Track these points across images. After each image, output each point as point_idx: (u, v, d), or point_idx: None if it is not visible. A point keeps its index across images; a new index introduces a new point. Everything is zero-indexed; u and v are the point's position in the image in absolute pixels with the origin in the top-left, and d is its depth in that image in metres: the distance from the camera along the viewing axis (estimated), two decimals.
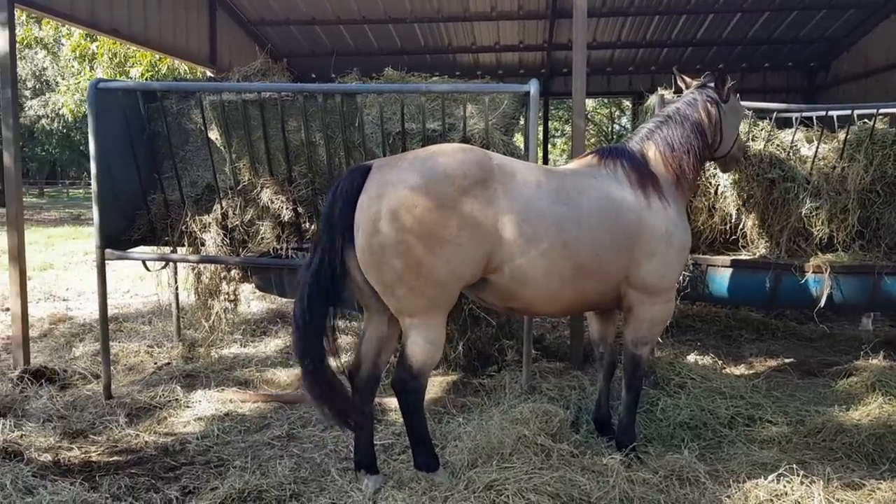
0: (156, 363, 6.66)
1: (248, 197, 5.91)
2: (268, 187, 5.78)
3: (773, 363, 6.79)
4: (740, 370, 6.57)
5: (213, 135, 6.20)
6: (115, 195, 5.80)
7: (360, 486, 4.25)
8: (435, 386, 6.05)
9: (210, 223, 5.95)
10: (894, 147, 5.75)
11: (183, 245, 6.06)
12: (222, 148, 5.85)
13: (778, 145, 5.93)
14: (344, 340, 7.35)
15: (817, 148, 5.83)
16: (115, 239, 5.84)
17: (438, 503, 3.76)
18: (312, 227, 6.05)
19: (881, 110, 5.79)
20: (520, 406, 5.04)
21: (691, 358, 6.27)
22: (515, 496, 3.69)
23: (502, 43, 14.21)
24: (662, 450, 4.89)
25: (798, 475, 3.74)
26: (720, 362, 6.43)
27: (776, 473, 3.82)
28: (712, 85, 5.08)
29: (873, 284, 5.69)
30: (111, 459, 4.81)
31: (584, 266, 4.20)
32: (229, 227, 5.98)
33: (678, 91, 5.43)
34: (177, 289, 6.93)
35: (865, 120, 6.03)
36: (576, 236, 4.14)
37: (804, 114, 6.15)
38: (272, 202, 5.81)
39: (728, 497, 3.69)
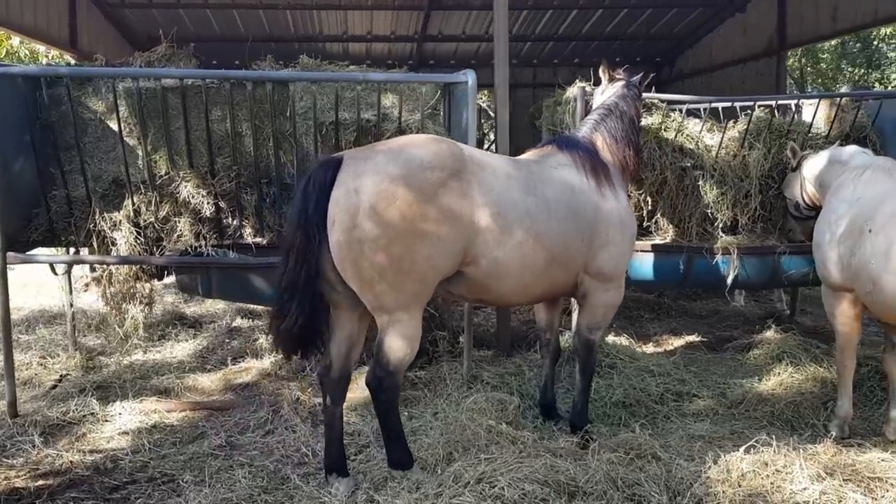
0: (61, 376, 6.06)
1: (164, 192, 5.50)
2: (188, 181, 5.41)
3: (678, 341, 7.23)
4: (650, 348, 6.94)
5: (115, 125, 5.71)
6: (13, 192, 5.20)
7: (330, 491, 4.10)
8: (363, 381, 5.92)
9: (121, 221, 5.47)
10: (789, 136, 6.28)
11: (89, 246, 5.53)
12: (137, 139, 5.39)
13: (687, 135, 6.29)
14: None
15: (723, 137, 6.25)
16: (14, 241, 5.24)
17: (434, 500, 3.68)
18: (234, 222, 5.74)
19: (779, 101, 6.31)
20: (473, 396, 5.07)
21: (609, 339, 6.55)
22: (509, 487, 3.69)
23: (374, 33, 14.08)
24: (606, 429, 5.09)
25: (771, 445, 4.00)
26: (633, 342, 6.75)
27: (746, 445, 4.07)
28: (636, 81, 5.33)
29: (773, 263, 6.20)
30: (39, 484, 4.34)
31: (555, 256, 4.27)
32: (142, 224, 5.54)
33: (597, 83, 5.62)
34: (71, 294, 6.32)
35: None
36: (546, 227, 4.19)
37: (704, 105, 6.56)
38: (192, 197, 5.44)
39: (710, 471, 3.89)
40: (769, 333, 6.97)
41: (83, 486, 4.35)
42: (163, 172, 5.45)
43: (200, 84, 5.14)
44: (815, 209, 5.85)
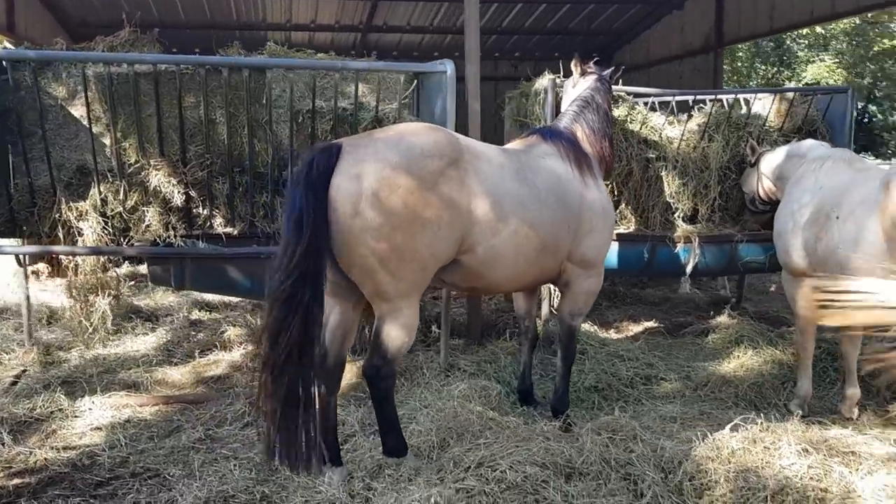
0: (21, 371, 5.82)
1: (132, 180, 5.34)
2: (159, 169, 5.27)
3: (637, 327, 7.46)
4: (613, 334, 7.14)
5: (78, 111, 5.52)
6: None
7: (325, 480, 4.08)
8: (347, 373, 5.90)
9: (87, 210, 5.29)
10: (746, 128, 6.55)
11: (54, 236, 5.32)
12: (106, 126, 5.22)
13: (651, 127, 6.49)
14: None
15: (684, 130, 6.47)
16: None
17: (436, 485, 3.72)
18: (204, 212, 5.62)
19: (740, 96, 6.56)
20: (456, 384, 5.12)
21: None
22: (511, 470, 3.77)
23: (318, 22, 13.91)
24: (582, 412, 5.23)
25: (757, 423, 4.19)
26: (597, 328, 6.92)
27: (732, 423, 4.25)
28: (607, 75, 5.47)
29: (731, 251, 6.46)
30: (17, 483, 4.19)
31: (546, 244, 4.35)
32: (109, 214, 5.37)
33: (567, 74, 5.73)
34: (27, 287, 6.07)
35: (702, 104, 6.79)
36: (538, 216, 4.27)
37: (662, 99, 6.78)
38: (163, 186, 5.31)
39: (699, 449, 4.05)
40: (722, 319, 7.26)
41: (64, 484, 4.21)
42: (132, 160, 5.28)
43: (175, 70, 5.00)
44: (771, 203, 6.13)
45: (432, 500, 3.34)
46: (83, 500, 3.98)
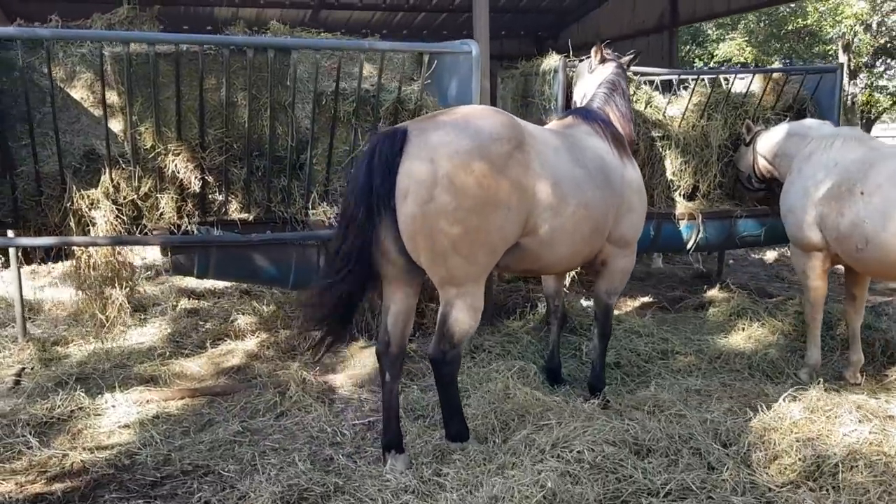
0: (21, 370, 5.49)
1: (146, 166, 5.10)
2: (177, 154, 5.04)
3: (634, 302, 7.62)
4: (616, 311, 7.24)
5: (78, 93, 5.22)
6: None
7: (390, 468, 4.03)
8: (364, 357, 5.83)
9: (99, 198, 5.02)
10: (743, 107, 6.74)
11: (65, 227, 5.02)
12: (120, 109, 4.94)
13: (655, 107, 6.60)
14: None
15: (686, 109, 6.61)
16: None
17: (517, 467, 3.72)
18: (220, 198, 5.42)
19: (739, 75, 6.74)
20: (493, 365, 5.14)
21: (585, 303, 6.79)
22: (589, 450, 3.81)
23: None
24: (611, 389, 5.31)
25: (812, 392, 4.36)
26: None
27: (786, 394, 4.40)
28: (626, 62, 5.55)
29: (730, 226, 6.67)
30: (62, 487, 3.98)
31: (598, 224, 4.39)
32: (121, 201, 5.11)
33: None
34: (20, 282, 5.73)
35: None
36: (592, 196, 4.30)
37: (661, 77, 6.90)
38: (180, 171, 5.09)
39: (756, 421, 4.19)
40: (714, 292, 7.50)
41: (113, 485, 4.04)
42: (148, 145, 5.03)
43: (197, 50, 4.77)
44: (766, 181, 6.34)
45: (539, 483, 3.33)
46: (146, 502, 3.82)
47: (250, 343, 6.04)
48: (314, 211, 5.52)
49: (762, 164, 6.24)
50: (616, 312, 6.77)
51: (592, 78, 5.44)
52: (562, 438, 3.94)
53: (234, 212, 5.48)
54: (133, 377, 5.39)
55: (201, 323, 6.62)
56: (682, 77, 7.10)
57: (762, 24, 26.32)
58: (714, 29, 27.61)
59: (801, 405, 4.23)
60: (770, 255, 10.95)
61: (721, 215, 6.63)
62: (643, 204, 4.87)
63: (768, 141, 6.13)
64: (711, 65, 24.14)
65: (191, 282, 8.05)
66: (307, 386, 5.24)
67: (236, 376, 5.54)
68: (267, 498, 3.69)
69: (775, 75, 7.16)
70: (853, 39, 32.97)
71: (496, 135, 3.82)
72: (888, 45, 33.20)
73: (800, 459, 3.79)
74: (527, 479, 3.34)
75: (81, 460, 4.27)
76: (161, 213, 5.20)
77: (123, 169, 5.06)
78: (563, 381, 5.41)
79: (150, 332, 6.38)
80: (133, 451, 4.40)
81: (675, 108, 6.71)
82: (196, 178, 5.14)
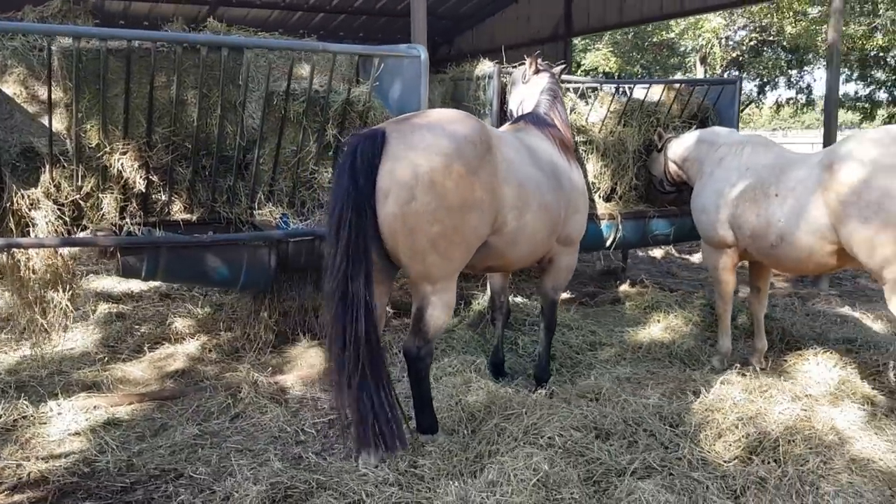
0: None
1: (89, 165, 4.93)
2: (124, 153, 4.91)
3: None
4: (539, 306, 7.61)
5: (11, 88, 4.99)
6: None
7: (359, 463, 4.11)
8: (310, 357, 5.86)
9: (39, 198, 4.81)
10: (655, 115, 7.25)
11: (3, 228, 4.77)
12: (65, 107, 4.75)
13: (578, 113, 6.98)
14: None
15: (605, 116, 7.04)
16: None
17: (492, 454, 3.93)
18: (164, 198, 5.32)
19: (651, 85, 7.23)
20: (446, 360, 5.32)
21: (519, 300, 7.09)
22: (558, 436, 4.08)
23: None
24: (552, 380, 5.62)
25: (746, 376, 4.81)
26: (528, 301, 7.36)
27: (723, 376, 4.84)
28: (558, 72, 5.89)
29: (644, 225, 7.16)
30: (23, 498, 3.84)
31: (554, 224, 4.68)
32: (62, 201, 4.92)
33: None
34: None
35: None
36: (549, 197, 4.57)
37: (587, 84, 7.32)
38: (125, 170, 4.96)
39: (698, 403, 4.59)
40: (625, 287, 8.01)
41: (80, 493, 3.94)
42: (94, 143, 4.87)
43: (149, 47, 4.66)
44: (676, 185, 6.88)
45: (532, 467, 3.54)
46: None
47: (190, 346, 5.93)
48: (260, 211, 5.51)
49: (673, 168, 6.75)
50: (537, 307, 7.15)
51: (528, 87, 5.72)
52: (531, 426, 4.19)
53: (178, 212, 5.37)
54: (74, 384, 5.20)
55: (136, 327, 6.41)
56: (592, 86, 7.53)
57: (628, 36, 28.05)
58: (580, 39, 29.26)
59: (739, 387, 4.67)
60: (657, 253, 11.71)
61: (637, 215, 7.12)
62: (586, 205, 5.21)
63: (679, 147, 6.64)
64: (579, 74, 25.45)
65: (105, 284, 7.76)
66: (259, 387, 5.23)
67: (182, 380, 5.45)
68: (254, 497, 3.70)
69: (669, 86, 7.78)
70: (709, 52, 35.54)
71: (470, 138, 4.01)
72: (739, 58, 35.96)
73: (743, 436, 4.20)
74: (520, 464, 3.54)
75: (38, 470, 4.12)
76: (103, 214, 5.03)
77: (65, 167, 4.87)
78: (505, 374, 5.66)
79: (78, 338, 6.11)
80: (90, 459, 4.28)
81: (595, 115, 7.13)
82: (141, 177, 5.02)
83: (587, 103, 7.20)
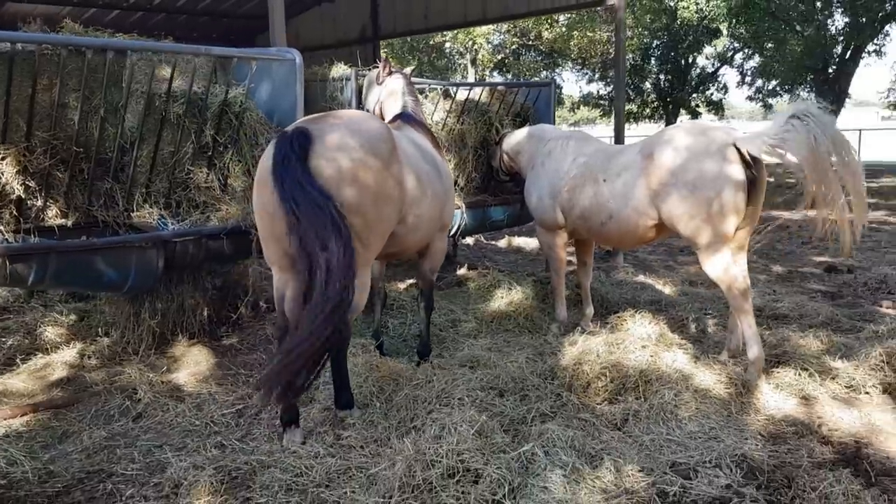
0: None
1: None
2: (3, 159, 4.76)
3: (409, 281, 8.54)
4: (399, 290, 8.13)
5: None
6: None
7: (285, 443, 4.43)
8: (194, 355, 5.95)
9: None
10: (486, 116, 8.05)
11: None
12: None
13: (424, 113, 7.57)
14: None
15: (447, 115, 7.71)
16: None
17: (418, 418, 4.44)
18: (38, 203, 5.19)
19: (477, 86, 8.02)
20: None
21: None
22: (467, 396, 4.68)
23: None
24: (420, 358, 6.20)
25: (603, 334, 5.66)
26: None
27: (585, 334, 5.67)
28: (409, 73, 6.47)
29: (483, 213, 7.96)
30: None
31: (442, 211, 5.25)
32: None
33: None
34: None
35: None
36: (437, 188, 5.14)
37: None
38: (6, 176, 4.81)
39: (568, 358, 5.39)
40: (463, 271, 8.78)
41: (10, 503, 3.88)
42: None
43: (33, 49, 4.56)
44: (510, 174, 7.75)
45: (469, 420, 4.08)
46: None
47: (66, 354, 5.77)
48: (137, 213, 5.53)
49: (506, 159, 7.60)
50: (397, 292, 7.70)
51: (383, 88, 6.22)
52: (442, 392, 4.75)
53: (53, 218, 5.25)
54: None
55: (2, 339, 6.05)
56: (434, 87, 8.20)
57: (406, 39, 29.81)
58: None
59: (601, 340, 5.54)
60: (469, 241, 12.68)
61: (477, 204, 7.89)
62: (454, 194, 5.83)
63: (512, 141, 7.49)
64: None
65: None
66: (155, 387, 5.28)
67: (69, 387, 5.34)
68: (206, 481, 3.92)
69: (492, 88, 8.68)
70: (477, 55, 38.11)
71: (381, 136, 4.46)
72: (504, 60, 38.82)
73: (610, 381, 5.08)
74: (457, 417, 4.09)
75: None
76: None
77: None
78: (385, 354, 6.14)
79: None
80: (2, 471, 4.18)
81: (438, 115, 7.79)
82: (18, 183, 4.88)
83: (432, 103, 7.84)
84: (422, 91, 7.78)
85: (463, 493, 3.58)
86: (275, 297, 4.50)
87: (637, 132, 33.35)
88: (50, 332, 6.08)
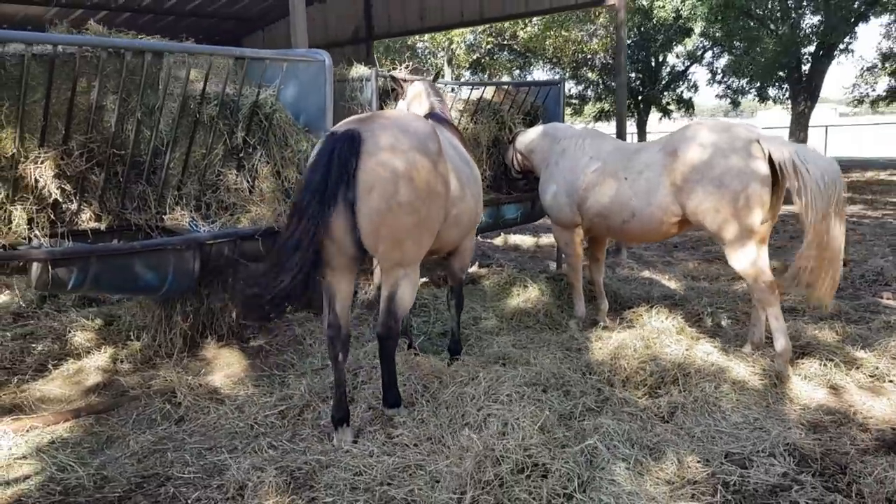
0: None
1: (2, 176, 4.67)
2: (42, 162, 4.71)
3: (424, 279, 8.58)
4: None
5: None
6: None
7: (337, 441, 4.45)
8: (225, 357, 5.94)
9: None
10: (498, 115, 8.11)
11: None
12: None
13: None
14: None
15: (461, 115, 7.76)
16: None
17: (471, 414, 4.48)
18: (73, 206, 5.14)
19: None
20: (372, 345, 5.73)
21: None
22: (515, 392, 4.73)
23: None
24: (447, 355, 6.25)
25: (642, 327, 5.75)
26: None
27: (617, 330, 5.76)
28: (432, 77, 6.51)
29: (497, 211, 8.02)
30: None
31: (477, 210, 5.30)
32: None
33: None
34: None
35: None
36: (473, 187, 5.19)
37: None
38: (40, 180, 4.76)
39: (604, 353, 5.46)
40: (475, 269, 8.82)
41: None
42: (8, 153, 4.60)
43: (74, 52, 4.51)
44: (523, 172, 7.82)
45: (531, 415, 4.14)
46: None
47: (99, 359, 5.71)
48: (169, 216, 5.51)
49: (519, 158, 7.66)
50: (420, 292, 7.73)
51: (415, 89, 6.26)
52: (489, 388, 4.80)
53: (87, 221, 5.20)
54: None
55: (31, 346, 5.97)
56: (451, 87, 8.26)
57: (383, 40, 30.24)
58: None
59: (636, 334, 5.63)
60: (498, 241, 12.74)
61: (491, 202, 7.94)
62: (482, 195, 5.88)
63: (524, 139, 7.55)
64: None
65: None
66: (194, 389, 5.26)
67: (106, 392, 5.29)
68: (271, 482, 3.92)
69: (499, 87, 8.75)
70: (454, 55, 38.30)
71: (429, 136, 4.51)
72: (481, 60, 38.99)
73: (649, 375, 5.17)
74: (518, 413, 4.14)
75: (6, 497, 3.94)
76: (10, 227, 4.77)
77: None
78: (418, 354, 6.17)
79: None
80: (56, 478, 4.15)
81: (452, 114, 7.82)
82: (55, 186, 4.83)
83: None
84: None
85: (535, 487, 3.63)
86: (324, 297, 4.53)
87: (610, 129, 33.71)
88: (79, 337, 6.02)
